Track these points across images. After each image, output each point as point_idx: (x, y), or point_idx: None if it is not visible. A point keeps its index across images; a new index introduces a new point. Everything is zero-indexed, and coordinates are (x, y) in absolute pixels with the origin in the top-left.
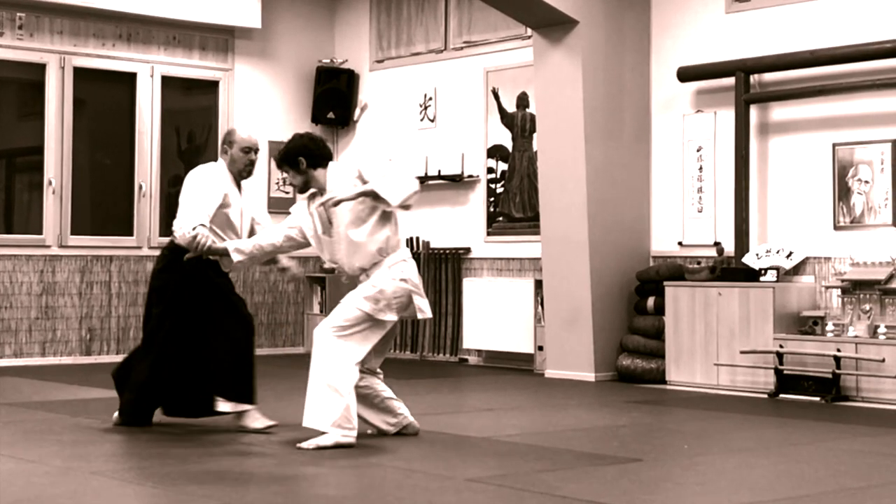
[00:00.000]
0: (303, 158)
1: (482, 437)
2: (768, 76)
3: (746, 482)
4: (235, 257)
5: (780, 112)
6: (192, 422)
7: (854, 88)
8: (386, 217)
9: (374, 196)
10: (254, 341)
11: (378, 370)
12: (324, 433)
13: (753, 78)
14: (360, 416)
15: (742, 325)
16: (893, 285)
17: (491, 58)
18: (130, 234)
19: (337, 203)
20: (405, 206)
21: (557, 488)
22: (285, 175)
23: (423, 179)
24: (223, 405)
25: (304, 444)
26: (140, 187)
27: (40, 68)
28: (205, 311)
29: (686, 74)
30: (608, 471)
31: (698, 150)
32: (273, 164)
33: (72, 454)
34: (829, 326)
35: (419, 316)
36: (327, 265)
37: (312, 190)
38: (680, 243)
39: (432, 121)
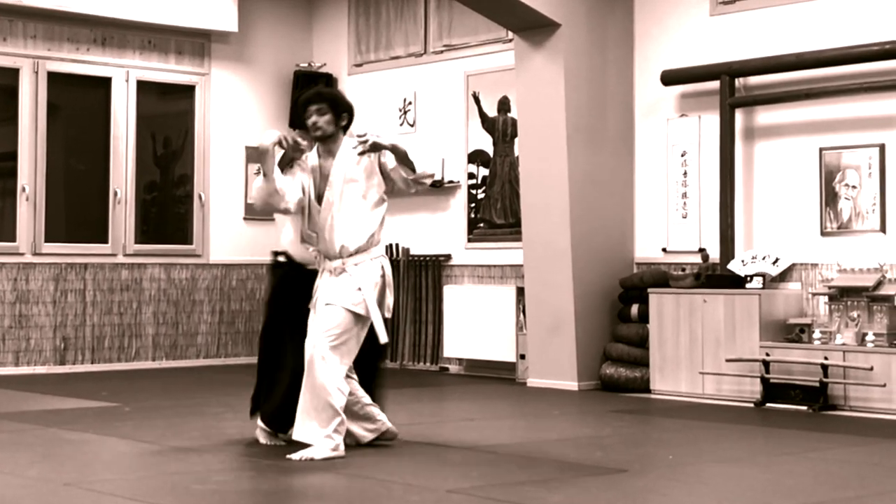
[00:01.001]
0: (347, 115)
1: (463, 448)
2: (754, 79)
3: (733, 493)
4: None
5: (766, 116)
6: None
7: (841, 92)
8: (381, 204)
9: (401, 157)
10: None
11: (351, 368)
12: (313, 445)
13: (739, 81)
14: None
15: (728, 332)
16: (881, 292)
17: (472, 61)
18: (105, 241)
19: (375, 147)
20: (421, 182)
21: (541, 499)
22: (312, 117)
23: None
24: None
25: (294, 456)
26: (115, 194)
27: (13, 73)
28: None
29: (670, 78)
30: (592, 482)
31: (683, 155)
32: (250, 168)
33: (45, 465)
34: (817, 334)
35: (378, 328)
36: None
37: (299, 160)
38: (664, 249)
39: (412, 125)
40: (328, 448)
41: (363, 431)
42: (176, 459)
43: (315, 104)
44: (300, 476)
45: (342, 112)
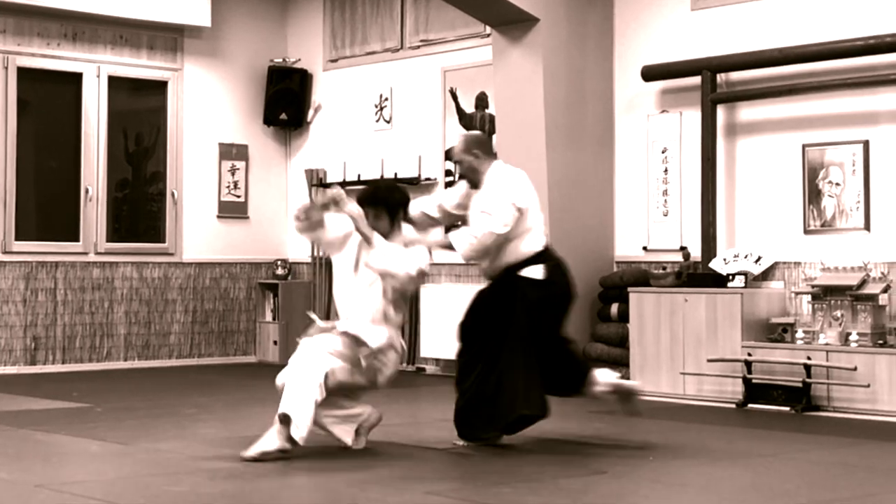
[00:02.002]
0: (403, 209)
1: (441, 449)
2: (735, 75)
3: (714, 495)
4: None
5: (748, 112)
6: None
7: (825, 88)
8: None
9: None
10: None
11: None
12: (266, 438)
13: (720, 77)
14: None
15: (709, 332)
16: (865, 291)
17: (449, 57)
18: (77, 239)
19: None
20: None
21: (519, 501)
22: (370, 220)
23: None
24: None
25: (247, 453)
26: (87, 191)
27: None
28: None
29: (651, 73)
30: (572, 483)
31: (663, 152)
32: (223, 165)
33: (16, 466)
34: (799, 334)
35: None
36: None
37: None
38: (645, 248)
39: (388, 122)
40: (282, 440)
41: (346, 435)
42: (148, 461)
43: (372, 208)
44: (275, 478)
45: (398, 211)
